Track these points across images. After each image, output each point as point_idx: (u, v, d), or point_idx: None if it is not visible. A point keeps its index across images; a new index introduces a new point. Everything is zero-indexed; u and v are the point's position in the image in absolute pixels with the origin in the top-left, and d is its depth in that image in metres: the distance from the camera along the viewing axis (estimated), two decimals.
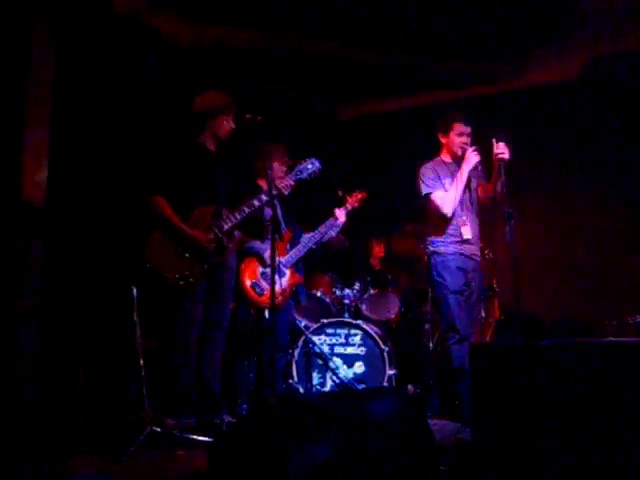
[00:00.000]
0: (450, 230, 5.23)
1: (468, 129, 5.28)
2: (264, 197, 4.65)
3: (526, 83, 7.44)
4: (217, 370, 4.63)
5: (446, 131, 5.33)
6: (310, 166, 4.90)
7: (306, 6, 6.04)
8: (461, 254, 5.19)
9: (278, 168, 5.36)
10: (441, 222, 5.24)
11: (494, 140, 5.00)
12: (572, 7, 6.05)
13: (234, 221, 4.59)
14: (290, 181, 4.79)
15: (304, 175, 4.87)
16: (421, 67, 7.28)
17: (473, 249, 5.27)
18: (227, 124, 4.72)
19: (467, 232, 5.21)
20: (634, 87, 6.90)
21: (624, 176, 7.05)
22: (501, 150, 4.97)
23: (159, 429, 4.12)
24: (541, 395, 2.91)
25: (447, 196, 5.18)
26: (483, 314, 6.47)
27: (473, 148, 5.19)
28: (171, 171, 4.53)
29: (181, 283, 4.36)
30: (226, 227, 4.55)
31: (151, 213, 4.46)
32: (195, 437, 4.19)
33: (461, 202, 5.23)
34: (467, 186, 5.26)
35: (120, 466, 3.73)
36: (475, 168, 5.28)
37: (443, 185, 5.24)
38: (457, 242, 5.20)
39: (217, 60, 6.78)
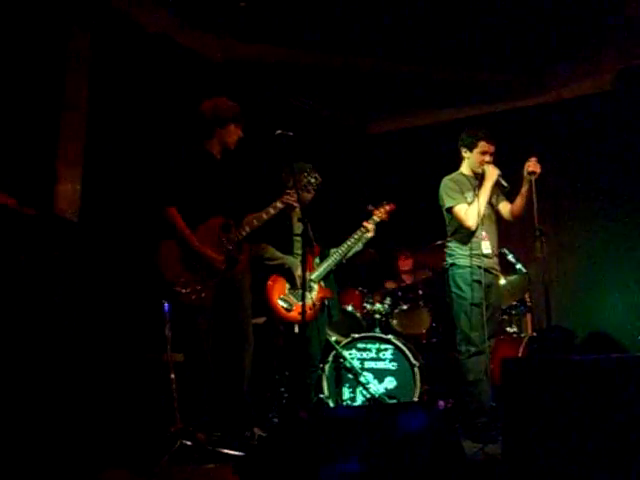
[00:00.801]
0: (470, 244, 5.27)
1: (492, 148, 5.32)
2: (272, 211, 4.67)
3: (557, 96, 7.41)
4: (245, 383, 4.62)
5: (470, 148, 5.36)
6: (312, 180, 5.02)
7: (336, 21, 6.07)
8: (479, 267, 5.20)
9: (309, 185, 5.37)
10: (462, 235, 5.30)
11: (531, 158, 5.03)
12: (606, 16, 6.02)
13: (243, 234, 4.59)
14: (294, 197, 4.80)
15: (309, 188, 5.04)
16: (451, 81, 7.28)
17: (492, 262, 5.31)
18: (236, 133, 4.71)
19: (487, 247, 5.26)
20: None
21: None
22: (532, 164, 5.00)
23: (190, 442, 4.13)
24: (572, 411, 2.88)
25: (471, 210, 5.22)
26: (515, 329, 6.44)
27: (492, 165, 5.23)
28: (180, 180, 4.50)
29: (193, 297, 4.37)
30: (236, 240, 4.55)
31: (165, 225, 4.44)
32: (226, 451, 4.20)
33: (482, 217, 5.23)
34: (489, 201, 5.28)
35: (151, 479, 3.75)
36: (497, 184, 5.29)
37: (465, 199, 5.28)
38: (476, 255, 5.24)
39: (248, 76, 6.83)
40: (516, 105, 7.66)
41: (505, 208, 5.41)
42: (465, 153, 5.41)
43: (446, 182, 5.40)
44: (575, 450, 2.83)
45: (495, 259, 5.37)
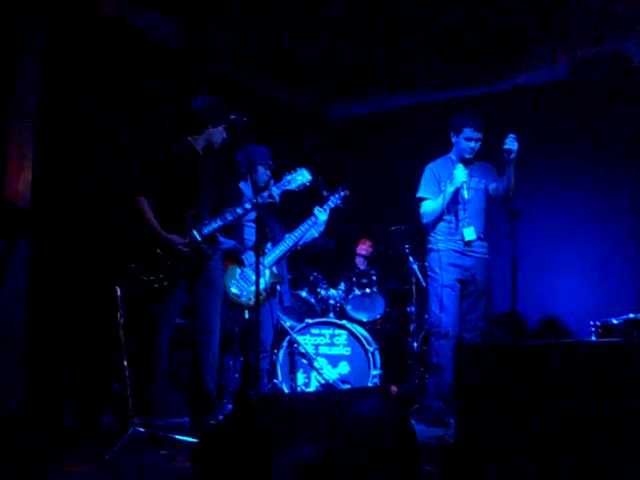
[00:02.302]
0: (446, 229, 5.40)
1: (477, 135, 5.39)
2: (248, 206, 4.66)
3: (514, 83, 7.47)
4: (214, 372, 4.62)
5: (457, 133, 5.45)
6: (300, 178, 4.92)
7: (296, 3, 6.02)
8: (455, 251, 5.34)
9: (262, 172, 5.36)
10: (439, 221, 5.43)
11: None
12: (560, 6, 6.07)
13: (214, 226, 4.58)
14: (276, 192, 4.78)
15: (292, 186, 4.89)
16: (410, 67, 7.27)
17: (471, 247, 5.38)
18: (223, 134, 4.70)
19: (471, 233, 5.35)
20: (619, 87, 6.92)
21: (620, 176, 7.06)
22: (509, 143, 5.12)
23: (143, 429, 4.11)
24: (524, 396, 2.92)
25: (430, 207, 5.43)
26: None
27: (461, 170, 5.32)
28: (160, 172, 4.51)
29: (155, 286, 4.35)
30: (206, 231, 4.53)
31: (132, 212, 4.44)
32: (181, 437, 4.19)
33: (466, 202, 5.38)
34: (459, 195, 5.38)
35: (103, 466, 3.73)
36: (486, 169, 5.53)
37: (441, 188, 5.42)
38: (452, 239, 5.37)
39: (204, 59, 6.76)
40: (469, 93, 7.69)
41: (494, 190, 5.50)
42: (453, 138, 5.50)
43: (426, 171, 5.57)
44: (526, 435, 2.87)
45: (480, 242, 5.43)
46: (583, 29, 6.39)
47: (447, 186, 5.35)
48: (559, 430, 2.81)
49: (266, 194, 4.76)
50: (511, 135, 5.15)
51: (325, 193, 5.68)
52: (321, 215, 5.56)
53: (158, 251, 4.39)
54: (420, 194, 5.51)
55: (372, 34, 6.55)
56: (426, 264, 5.63)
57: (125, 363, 4.24)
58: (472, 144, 5.39)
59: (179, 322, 4.83)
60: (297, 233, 5.52)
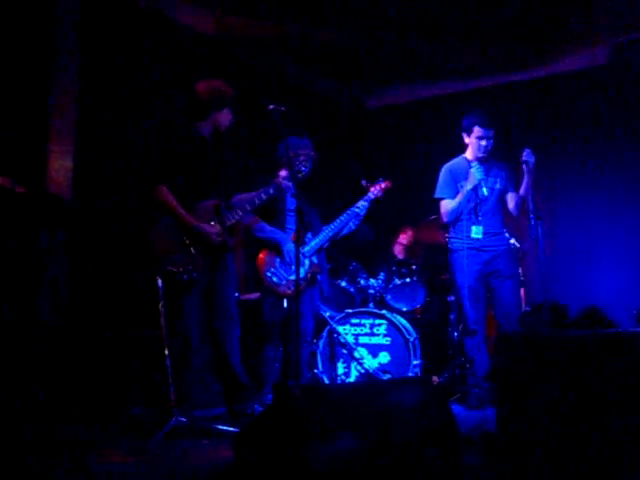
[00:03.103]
0: (460, 227, 5.51)
1: (489, 132, 5.44)
2: (263, 196, 4.67)
3: (554, 69, 7.37)
4: (238, 359, 4.63)
5: (468, 133, 5.51)
6: (303, 169, 5.07)
7: None
8: (470, 248, 5.43)
9: (303, 163, 5.34)
10: (454, 221, 5.56)
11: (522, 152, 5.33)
12: None
13: (237, 217, 4.58)
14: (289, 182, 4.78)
15: (299, 177, 4.93)
16: (447, 54, 7.22)
17: (486, 241, 5.47)
18: (229, 117, 4.67)
19: (478, 232, 5.46)
20: None
21: None
22: (526, 156, 5.30)
23: (185, 419, 4.15)
24: (565, 386, 2.89)
25: (449, 206, 5.51)
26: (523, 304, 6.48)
27: (477, 168, 5.38)
28: (172, 159, 4.47)
29: (185, 277, 4.36)
30: (229, 223, 4.53)
31: (156, 203, 4.41)
32: (222, 427, 4.22)
33: (481, 202, 5.48)
34: (476, 193, 5.46)
35: (145, 456, 3.77)
36: (502, 169, 5.59)
37: (457, 188, 5.51)
38: (467, 238, 5.46)
39: (240, 49, 6.78)
40: (512, 79, 7.62)
41: (509, 201, 5.60)
42: (465, 138, 5.55)
43: (442, 171, 5.64)
44: (568, 425, 2.84)
45: (494, 237, 5.51)
46: (623, 14, 6.28)
47: (465, 185, 5.43)
48: (600, 421, 2.78)
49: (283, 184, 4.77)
50: (527, 149, 5.32)
51: (365, 183, 5.67)
52: (361, 206, 5.56)
53: (187, 241, 4.38)
54: (438, 194, 5.61)
55: (410, 22, 6.50)
56: (449, 264, 5.70)
57: (166, 353, 4.28)
58: (484, 142, 5.43)
59: None
60: (337, 223, 5.52)
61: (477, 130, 5.42)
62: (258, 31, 6.60)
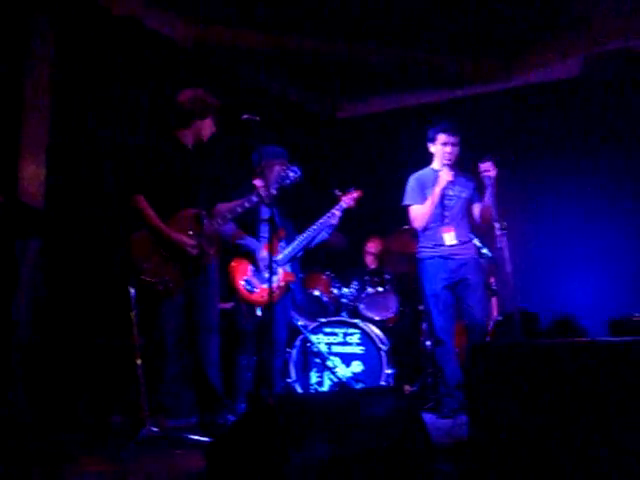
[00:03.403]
0: (429, 236, 5.53)
1: (452, 139, 5.49)
2: (247, 204, 4.63)
3: (526, 80, 7.45)
4: (216, 370, 4.62)
5: (433, 141, 5.56)
6: (292, 174, 4.92)
7: (305, 4, 6.03)
8: (440, 257, 5.46)
9: (278, 171, 5.33)
10: (417, 230, 5.60)
11: (480, 164, 5.35)
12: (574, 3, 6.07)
13: (216, 226, 4.56)
14: (273, 190, 4.77)
15: (286, 182, 4.91)
16: (419, 65, 7.28)
17: (455, 250, 5.48)
18: (212, 127, 4.66)
19: (451, 238, 5.48)
20: (631, 84, 6.91)
21: (632, 171, 7.05)
22: (485, 168, 5.32)
23: (157, 429, 4.13)
24: (537, 395, 2.92)
25: (420, 211, 5.51)
26: (495, 314, 6.54)
27: (446, 171, 5.41)
28: (151, 169, 4.45)
29: (160, 288, 4.34)
30: (208, 232, 4.51)
31: (133, 213, 4.38)
32: (194, 437, 4.21)
33: (448, 208, 5.51)
34: (445, 199, 5.49)
35: (116, 465, 3.74)
36: (468, 180, 5.61)
37: (425, 195, 5.52)
38: (435, 246, 5.48)
39: (214, 59, 6.78)
40: (485, 90, 7.69)
41: (474, 211, 5.62)
42: (431, 147, 5.60)
43: (410, 180, 5.67)
44: (539, 433, 2.87)
45: (463, 246, 5.52)
46: (597, 26, 6.37)
47: (435, 188, 5.44)
48: (572, 429, 2.81)
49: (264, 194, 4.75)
50: (487, 160, 5.33)
51: (337, 193, 5.69)
52: (333, 215, 5.58)
53: (163, 252, 4.35)
54: (407, 201, 5.62)
55: (382, 32, 6.55)
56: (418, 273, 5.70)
57: (139, 363, 4.25)
58: (449, 149, 5.47)
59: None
60: (309, 232, 5.54)
61: (441, 137, 5.47)
62: (232, 40, 6.61)
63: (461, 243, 5.51)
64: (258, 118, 4.25)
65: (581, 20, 6.31)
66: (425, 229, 5.53)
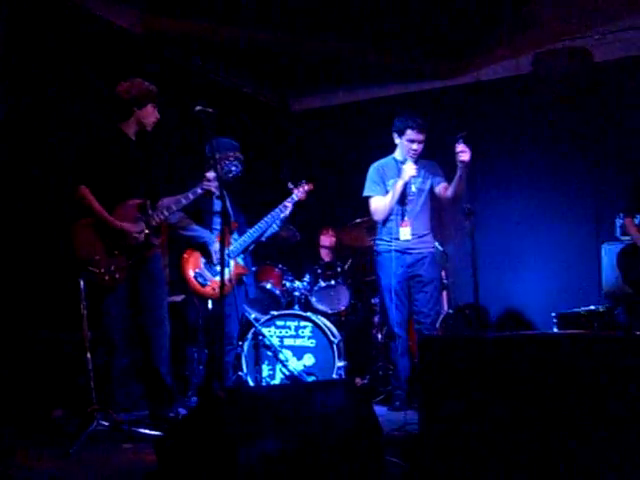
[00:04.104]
0: (386, 229, 5.52)
1: (420, 136, 5.41)
2: (191, 196, 4.65)
3: (478, 77, 7.53)
4: (166, 363, 4.59)
5: (400, 134, 5.47)
6: (234, 168, 4.98)
7: None
8: (396, 251, 5.42)
9: (230, 164, 5.31)
10: (377, 222, 5.59)
11: (457, 141, 5.08)
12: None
13: (162, 217, 4.56)
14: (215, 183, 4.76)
15: (228, 176, 4.95)
16: (373, 60, 7.30)
17: (411, 244, 5.46)
18: (154, 114, 4.64)
19: (406, 233, 5.45)
20: (581, 82, 7.02)
21: (580, 169, 7.15)
22: (461, 150, 5.08)
23: (107, 423, 4.09)
24: (487, 388, 2.95)
25: (380, 203, 5.48)
26: (445, 307, 6.59)
27: (410, 165, 5.37)
28: (93, 159, 4.45)
29: (106, 278, 4.31)
30: (154, 223, 4.51)
31: (77, 203, 4.36)
32: (145, 431, 4.17)
33: (409, 202, 5.47)
34: (405, 193, 5.45)
35: (66, 460, 3.70)
36: (432, 167, 5.57)
37: (386, 186, 5.49)
38: (392, 240, 5.45)
39: (165, 49, 6.71)
40: (434, 86, 7.76)
41: (441, 190, 5.51)
42: (396, 139, 5.53)
43: (371, 170, 5.62)
44: (490, 426, 2.90)
45: (419, 239, 5.50)
46: (547, 24, 6.46)
47: (396, 181, 5.41)
48: (521, 422, 2.85)
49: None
50: (461, 141, 5.07)
51: (290, 186, 5.70)
52: (284, 208, 5.58)
53: (108, 242, 4.33)
54: (367, 192, 5.57)
55: (335, 26, 6.55)
56: (374, 266, 5.73)
57: (88, 356, 4.20)
58: (415, 146, 5.42)
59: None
60: (261, 224, 5.53)
61: (409, 133, 5.39)
62: (184, 30, 6.55)
63: (418, 237, 5.49)
64: (211, 110, 4.22)
65: (532, 17, 6.37)
66: (384, 222, 5.51)
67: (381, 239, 5.56)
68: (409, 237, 5.43)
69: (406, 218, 5.46)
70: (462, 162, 5.10)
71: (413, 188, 5.47)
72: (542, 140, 7.31)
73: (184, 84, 6.72)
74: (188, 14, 6.24)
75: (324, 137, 8.35)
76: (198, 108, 4.22)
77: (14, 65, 5.30)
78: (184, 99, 4.76)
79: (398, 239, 5.44)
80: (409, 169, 5.37)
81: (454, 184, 5.30)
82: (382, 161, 5.63)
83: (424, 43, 6.88)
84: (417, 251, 5.49)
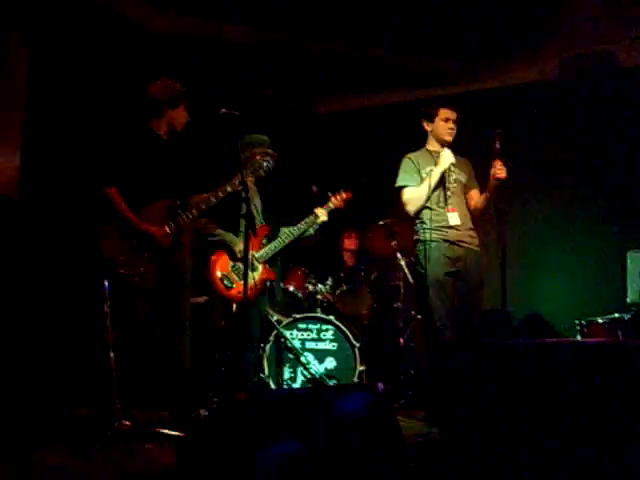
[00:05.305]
0: (432, 217, 5.13)
1: (454, 115, 5.19)
2: (221, 194, 4.64)
3: (507, 82, 7.49)
4: (187, 365, 4.60)
5: (431, 118, 5.25)
6: (265, 164, 4.91)
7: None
8: (445, 240, 5.09)
9: (261, 161, 5.28)
10: (424, 210, 5.17)
11: (493, 162, 4.96)
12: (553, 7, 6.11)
13: (190, 217, 4.57)
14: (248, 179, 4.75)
15: (259, 172, 4.91)
16: (400, 64, 7.29)
17: (461, 235, 5.14)
18: (184, 115, 4.68)
19: (455, 218, 5.12)
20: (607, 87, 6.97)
21: (606, 176, 7.09)
22: (499, 169, 4.94)
23: (128, 422, 4.10)
24: (510, 395, 2.93)
25: (415, 193, 5.16)
26: None
27: (449, 151, 5.14)
28: (122, 160, 4.46)
29: (136, 280, 4.33)
30: (182, 223, 4.52)
31: (105, 205, 4.39)
32: (166, 431, 4.18)
33: (446, 190, 5.17)
34: (445, 180, 5.17)
35: (87, 460, 3.71)
36: (466, 166, 5.34)
37: (421, 176, 5.20)
38: (441, 227, 5.11)
39: (195, 52, 6.74)
40: (458, 90, 7.72)
41: (472, 198, 5.32)
42: (427, 126, 5.30)
43: (404, 160, 5.33)
44: (513, 434, 2.89)
45: (467, 232, 5.21)
46: (573, 29, 6.42)
47: (435, 169, 5.14)
48: (543, 429, 2.83)
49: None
50: (498, 163, 4.94)
51: (315, 189, 5.69)
52: (322, 215, 5.55)
53: (135, 244, 4.35)
54: (401, 183, 5.26)
55: (361, 29, 6.55)
56: (412, 258, 5.44)
57: (112, 356, 4.23)
58: (451, 124, 5.19)
59: None
60: (296, 231, 5.49)
61: (443, 112, 5.18)
62: (210, 32, 6.57)
63: (467, 228, 5.21)
64: (237, 113, 4.22)
65: (558, 22, 6.34)
66: (419, 212, 5.17)
67: (425, 228, 5.12)
68: (459, 222, 5.11)
69: (451, 204, 5.15)
70: (499, 179, 4.94)
71: (452, 177, 5.18)
72: (568, 145, 7.25)
73: (209, 85, 6.73)
74: (210, 15, 6.26)
75: (347, 140, 8.34)
76: (223, 111, 4.23)
77: (41, 65, 5.34)
78: (211, 99, 4.76)
79: (446, 227, 5.10)
80: (448, 156, 5.14)
81: (486, 197, 5.14)
82: (415, 153, 5.35)
83: (448, 47, 6.85)
84: (467, 245, 5.16)
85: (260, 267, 5.30)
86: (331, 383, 5.66)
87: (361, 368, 5.75)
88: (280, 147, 5.29)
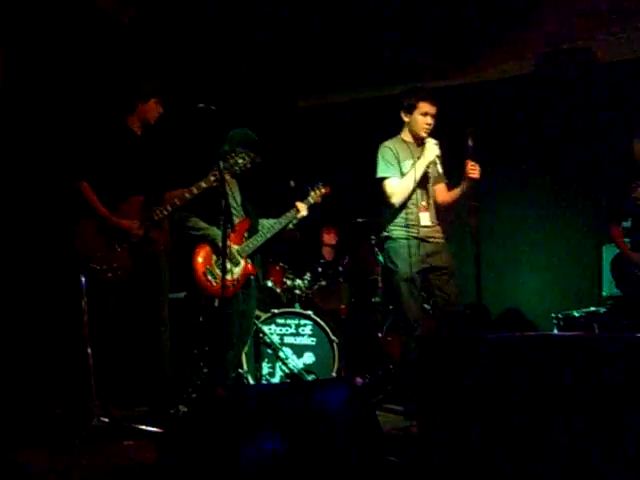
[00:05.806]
0: (405, 214, 5.01)
1: (433, 110, 5.02)
2: (195, 191, 4.60)
3: (482, 77, 7.53)
4: (167, 361, 4.59)
5: (410, 110, 5.06)
6: (240, 161, 4.85)
7: None
8: (415, 238, 4.96)
9: (240, 156, 5.25)
10: (391, 206, 5.04)
11: (466, 161, 4.88)
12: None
13: (165, 213, 4.55)
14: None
15: (235, 169, 4.86)
16: (378, 58, 7.29)
17: (431, 232, 5.05)
18: (157, 109, 4.66)
19: (426, 219, 5.04)
20: (585, 81, 7.02)
21: (581, 171, 7.13)
22: (471, 169, 4.87)
23: (107, 419, 4.09)
24: (486, 388, 2.95)
25: (400, 185, 4.98)
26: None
27: (435, 142, 4.98)
28: (97, 155, 4.44)
29: (109, 275, 4.32)
30: (156, 218, 4.51)
31: (77, 200, 4.37)
32: (145, 427, 4.18)
33: (423, 187, 5.06)
34: (427, 174, 5.06)
35: (66, 456, 3.71)
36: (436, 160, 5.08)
37: (401, 168, 5.04)
38: (412, 226, 4.99)
39: (171, 45, 6.70)
40: (437, 85, 7.73)
41: (440, 192, 5.20)
42: (405, 117, 5.11)
43: (383, 149, 5.12)
44: (490, 427, 2.91)
45: (435, 227, 5.11)
46: (551, 24, 6.45)
47: (419, 161, 4.95)
48: (521, 422, 2.85)
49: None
50: (472, 163, 4.87)
51: (293, 184, 5.68)
52: (302, 209, 5.53)
53: (110, 239, 4.34)
54: (382, 173, 5.04)
55: (342, 24, 6.54)
56: (384, 254, 5.23)
57: (89, 352, 4.21)
58: (429, 120, 5.01)
59: None
60: (277, 225, 5.44)
61: (422, 105, 4.98)
62: (190, 25, 6.53)
63: (436, 224, 5.12)
64: (214, 107, 4.21)
65: (536, 17, 6.37)
66: (401, 207, 5.01)
67: (395, 225, 5.03)
68: (429, 223, 5.03)
69: (425, 202, 5.06)
70: (471, 179, 4.88)
71: (439, 169, 5.05)
72: (544, 141, 7.30)
73: (190, 79, 6.70)
74: (195, 10, 6.22)
75: (328, 134, 8.34)
76: (200, 105, 4.22)
77: (15, 59, 5.28)
78: (190, 94, 4.75)
79: (417, 225, 4.98)
80: (434, 148, 4.95)
81: (455, 195, 5.06)
82: (392, 141, 5.14)
83: (428, 42, 6.86)
84: (435, 240, 5.07)
85: (242, 262, 5.25)
86: (310, 378, 5.67)
87: (340, 363, 5.76)
88: (261, 140, 5.27)
